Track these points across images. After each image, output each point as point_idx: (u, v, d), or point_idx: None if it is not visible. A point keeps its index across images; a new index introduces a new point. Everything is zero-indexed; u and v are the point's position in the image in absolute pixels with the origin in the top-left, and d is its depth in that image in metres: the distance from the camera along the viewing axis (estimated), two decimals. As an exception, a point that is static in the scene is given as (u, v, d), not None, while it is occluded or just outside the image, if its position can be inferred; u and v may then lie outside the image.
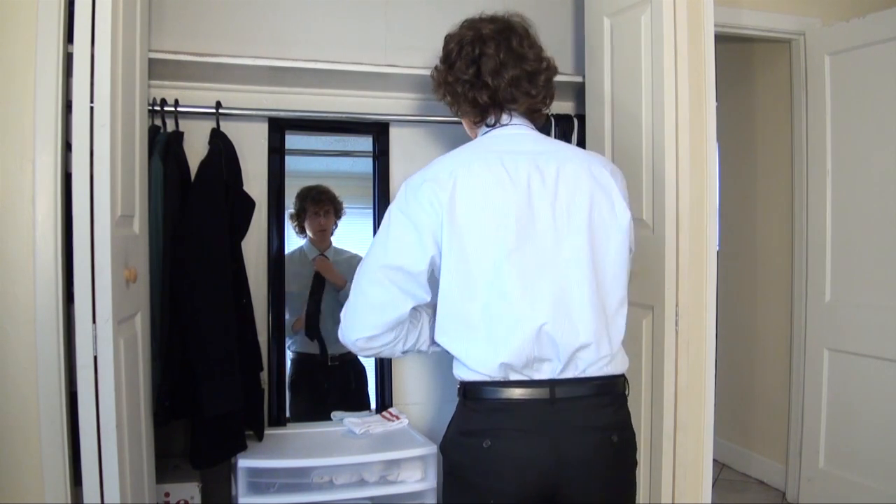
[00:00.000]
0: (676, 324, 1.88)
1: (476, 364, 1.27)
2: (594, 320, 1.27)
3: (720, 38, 2.31)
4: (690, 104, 1.87)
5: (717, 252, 2.15)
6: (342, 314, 1.33)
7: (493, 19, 1.37)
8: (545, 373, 1.27)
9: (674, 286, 1.87)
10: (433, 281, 1.31)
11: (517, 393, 1.27)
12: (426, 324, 1.39)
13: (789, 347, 2.99)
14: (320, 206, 2.53)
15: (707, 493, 1.97)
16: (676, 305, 1.87)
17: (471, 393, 1.30)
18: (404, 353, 1.37)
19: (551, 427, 1.25)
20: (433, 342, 1.37)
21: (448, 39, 1.40)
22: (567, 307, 1.26)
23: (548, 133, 2.35)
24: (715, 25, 1.98)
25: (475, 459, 1.26)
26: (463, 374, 1.30)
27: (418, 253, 1.26)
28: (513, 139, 1.34)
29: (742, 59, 3.24)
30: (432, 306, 1.35)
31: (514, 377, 1.26)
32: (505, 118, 1.37)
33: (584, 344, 1.27)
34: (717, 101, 2.03)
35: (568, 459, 1.25)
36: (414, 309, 1.32)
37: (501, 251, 1.24)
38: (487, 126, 1.39)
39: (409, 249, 1.26)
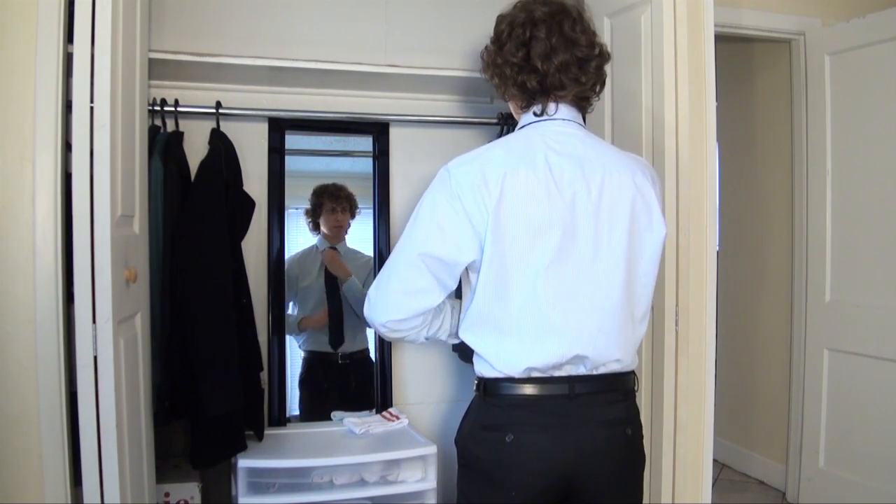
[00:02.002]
0: (676, 324, 1.87)
1: (502, 365, 1.29)
2: (623, 334, 1.31)
3: (720, 38, 2.31)
4: (690, 104, 1.87)
5: (717, 252, 2.15)
6: (370, 293, 1.32)
7: (545, 2, 1.33)
8: (565, 371, 1.30)
9: (674, 286, 1.87)
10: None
11: (538, 389, 1.29)
12: (449, 313, 1.39)
13: (789, 347, 3.00)
14: (338, 202, 2.53)
15: (707, 493, 1.96)
16: (676, 305, 1.87)
17: (491, 389, 1.31)
18: (427, 339, 1.37)
19: (571, 422, 1.28)
20: (454, 334, 1.39)
21: (500, 20, 1.37)
22: (601, 322, 1.28)
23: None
24: (715, 25, 1.98)
25: (497, 453, 1.27)
26: (485, 371, 1.32)
27: (464, 249, 1.26)
28: (560, 138, 1.31)
29: (742, 59, 3.24)
30: (457, 297, 1.37)
31: (535, 374, 1.29)
32: (551, 108, 1.34)
33: (614, 359, 1.31)
34: (717, 100, 2.02)
35: (587, 452, 1.28)
36: None
37: (541, 260, 1.25)
38: (534, 115, 1.36)
39: (455, 243, 1.26)
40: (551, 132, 1.33)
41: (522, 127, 1.38)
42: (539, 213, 1.25)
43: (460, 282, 1.35)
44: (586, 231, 1.27)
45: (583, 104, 1.38)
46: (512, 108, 1.44)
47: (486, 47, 1.39)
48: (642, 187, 1.32)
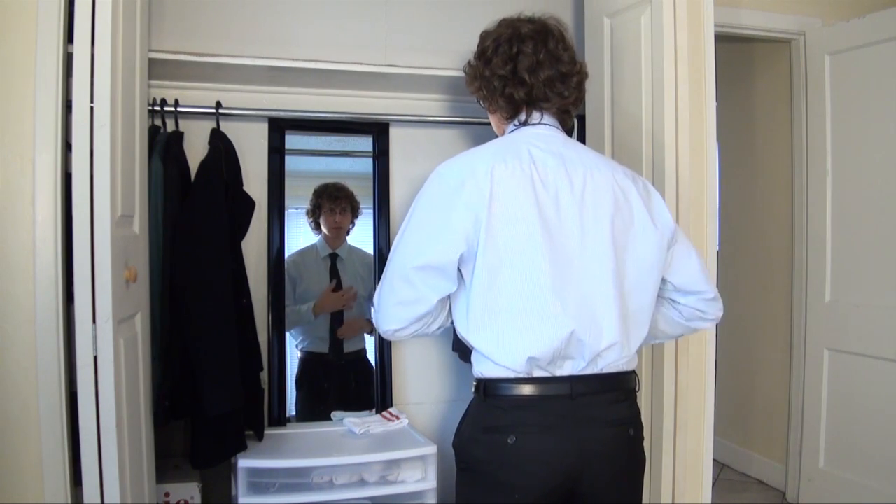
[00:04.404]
0: (676, 324, 1.87)
1: (502, 358, 1.29)
2: (618, 323, 1.31)
3: (720, 38, 2.31)
4: (690, 104, 1.87)
5: (717, 252, 2.15)
6: (374, 301, 1.37)
7: (531, 20, 1.41)
8: (566, 370, 1.30)
9: (674, 286, 1.87)
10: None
11: (539, 389, 1.29)
12: (445, 311, 1.40)
13: (789, 347, 3.00)
14: (336, 203, 2.53)
15: (707, 493, 1.97)
16: (676, 305, 1.87)
17: (491, 389, 1.31)
18: (437, 330, 1.40)
19: (572, 422, 1.28)
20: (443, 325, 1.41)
21: (484, 37, 1.43)
22: (593, 310, 1.29)
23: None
24: (715, 25, 1.98)
25: (499, 455, 1.28)
26: (485, 370, 1.32)
27: (451, 251, 1.28)
28: (543, 138, 1.36)
29: (742, 59, 3.24)
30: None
31: (537, 373, 1.29)
32: (536, 116, 1.40)
33: (610, 344, 1.30)
34: (717, 101, 2.03)
35: (589, 453, 1.28)
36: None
37: (534, 250, 1.27)
38: (517, 124, 1.41)
39: (440, 246, 1.28)
40: (534, 134, 1.38)
41: (508, 133, 1.43)
42: (527, 205, 1.27)
43: None
44: (572, 224, 1.30)
45: (564, 116, 1.44)
46: (494, 121, 1.49)
47: (469, 62, 1.46)
48: (623, 184, 1.35)
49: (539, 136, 1.37)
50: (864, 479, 2.60)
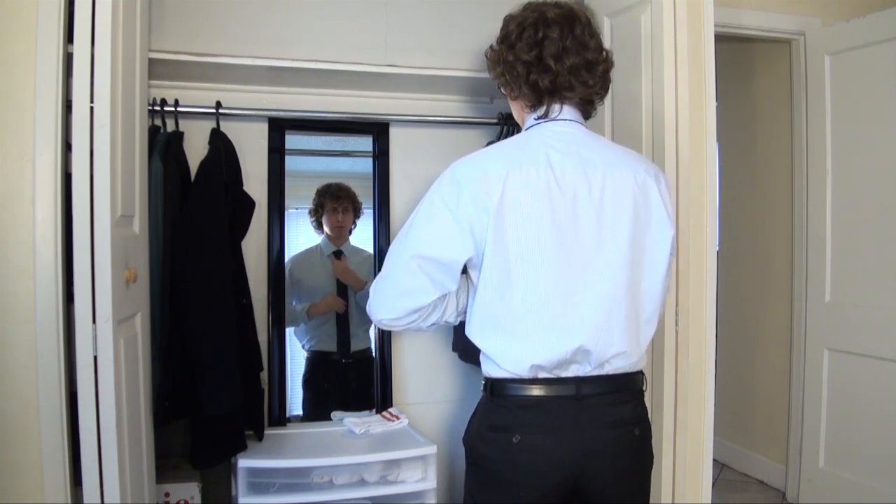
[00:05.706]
0: (676, 324, 1.88)
1: (508, 363, 1.29)
2: (628, 330, 1.30)
3: (720, 38, 2.31)
4: (690, 104, 1.87)
5: (717, 252, 2.15)
6: (371, 289, 1.35)
7: (557, 4, 1.36)
8: (572, 372, 1.30)
9: (673, 286, 1.87)
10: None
11: (545, 390, 1.29)
12: (453, 297, 1.39)
13: (789, 347, 3.00)
14: (338, 202, 2.53)
15: (707, 493, 1.96)
16: (676, 306, 1.87)
17: (498, 389, 1.32)
18: (431, 326, 1.39)
19: (578, 423, 1.28)
20: (461, 313, 1.40)
21: (508, 20, 1.38)
22: (604, 317, 1.28)
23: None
24: (715, 25, 1.98)
25: (504, 453, 1.28)
26: (492, 371, 1.32)
27: (458, 248, 1.27)
28: (561, 137, 1.33)
29: (742, 59, 3.24)
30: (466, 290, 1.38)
31: (542, 375, 1.29)
32: (556, 109, 1.35)
33: (617, 353, 1.30)
34: (717, 100, 2.03)
35: (594, 453, 1.28)
36: None
37: (544, 257, 1.26)
38: (537, 118, 1.37)
39: (449, 243, 1.27)
40: (553, 132, 1.34)
41: (527, 129, 1.39)
42: (541, 211, 1.26)
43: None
44: (588, 229, 1.28)
45: (587, 107, 1.39)
46: (516, 109, 1.44)
47: (492, 47, 1.41)
48: (644, 185, 1.33)
49: (558, 134, 1.33)
50: (864, 479, 2.60)
